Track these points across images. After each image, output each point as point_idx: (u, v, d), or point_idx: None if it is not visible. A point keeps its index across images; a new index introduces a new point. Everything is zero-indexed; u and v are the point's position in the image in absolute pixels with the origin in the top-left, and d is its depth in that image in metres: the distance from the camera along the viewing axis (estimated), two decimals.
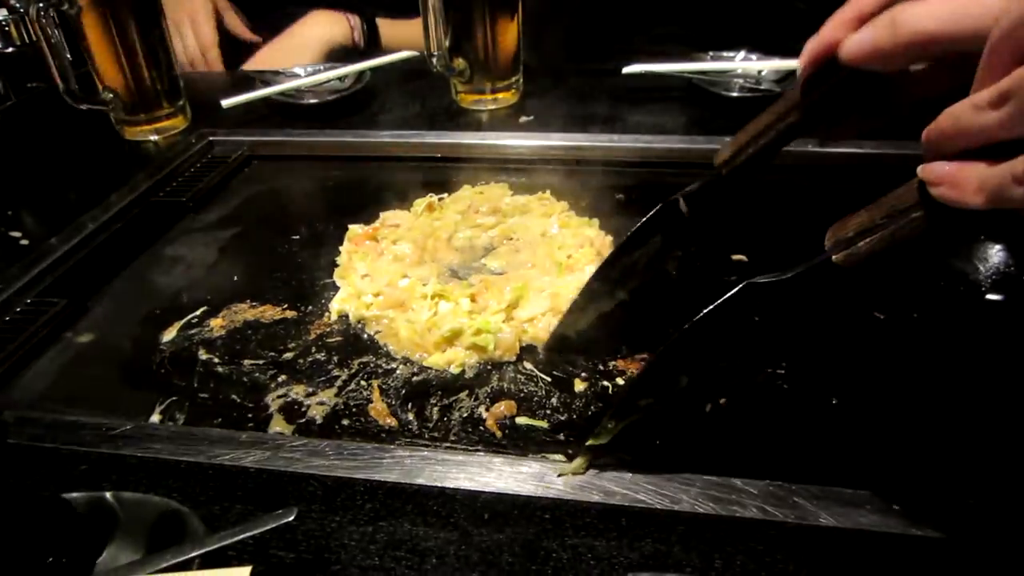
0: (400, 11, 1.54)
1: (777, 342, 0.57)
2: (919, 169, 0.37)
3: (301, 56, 1.43)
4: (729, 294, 0.44)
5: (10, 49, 1.15)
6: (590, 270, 0.71)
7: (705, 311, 0.45)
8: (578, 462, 0.51)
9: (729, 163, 0.56)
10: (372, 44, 1.53)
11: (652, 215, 0.57)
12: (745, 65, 1.18)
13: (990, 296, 0.69)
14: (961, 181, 0.35)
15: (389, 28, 1.56)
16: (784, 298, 0.44)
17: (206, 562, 0.42)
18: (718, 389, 0.56)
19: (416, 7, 1.06)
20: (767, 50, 1.20)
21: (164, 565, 0.42)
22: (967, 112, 0.34)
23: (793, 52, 1.21)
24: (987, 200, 0.34)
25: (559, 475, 0.50)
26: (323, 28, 1.49)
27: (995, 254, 0.73)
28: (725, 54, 1.21)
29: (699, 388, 0.54)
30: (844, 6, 0.42)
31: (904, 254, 0.40)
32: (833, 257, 0.42)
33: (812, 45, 0.44)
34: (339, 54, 1.47)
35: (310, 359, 0.66)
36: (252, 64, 1.51)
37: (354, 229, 0.83)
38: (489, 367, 0.64)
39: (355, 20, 1.51)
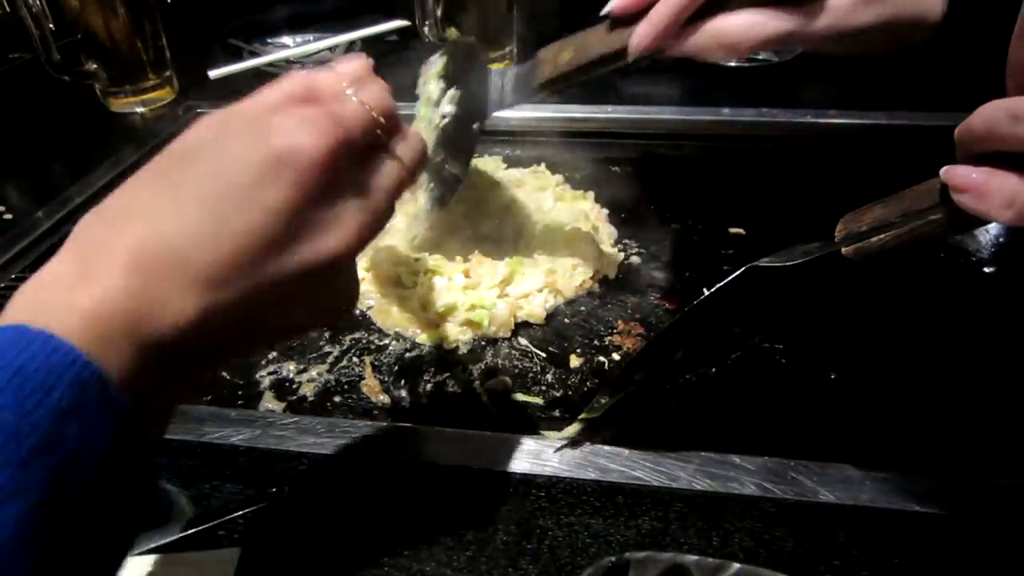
0: None
1: (776, 321, 0.56)
2: (943, 172, 0.35)
3: None
4: (731, 277, 0.44)
5: None
6: (584, 244, 0.70)
7: (707, 293, 0.45)
8: (571, 429, 0.51)
9: (547, 85, 0.57)
10: None
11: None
12: None
13: (988, 269, 0.68)
14: (989, 193, 0.32)
15: None
16: (787, 283, 0.43)
17: (194, 542, 0.42)
18: (712, 361, 0.56)
19: None
20: None
21: (152, 546, 0.41)
22: (1003, 120, 0.32)
23: None
24: (1015, 217, 0.32)
25: (556, 449, 0.50)
26: None
27: (994, 226, 0.72)
28: None
29: (693, 361, 0.53)
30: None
31: (917, 251, 0.38)
32: (843, 250, 0.41)
33: (651, 37, 0.49)
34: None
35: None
36: None
37: None
38: (483, 343, 0.63)
39: None
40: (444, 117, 0.62)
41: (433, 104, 0.63)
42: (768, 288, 0.44)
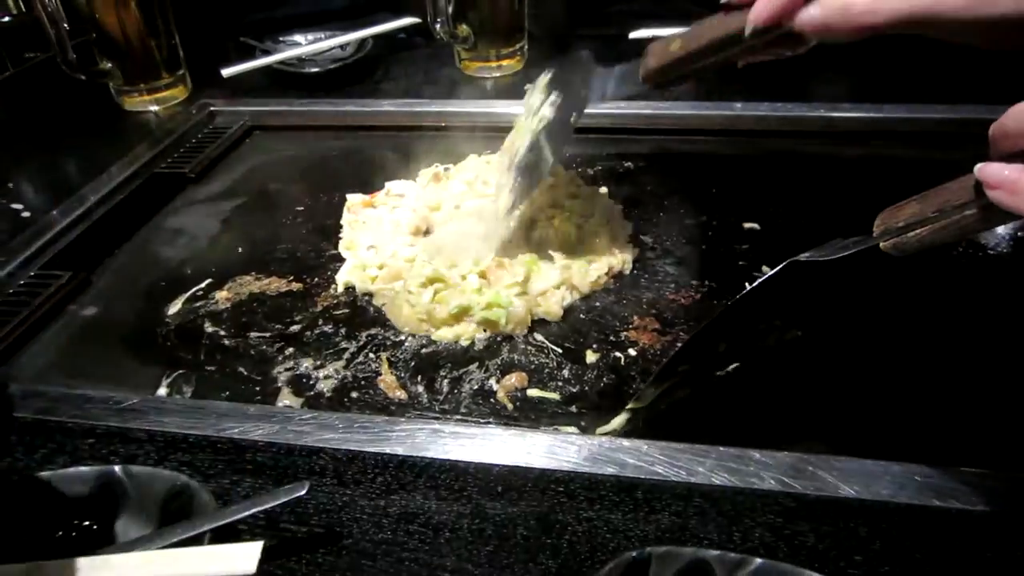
0: None
1: (816, 313, 0.56)
2: (977, 169, 0.36)
3: None
4: (772, 271, 0.45)
5: (7, 18, 1.12)
6: (599, 240, 0.70)
7: (749, 288, 0.46)
8: (619, 420, 0.52)
9: (653, 75, 0.56)
10: None
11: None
12: None
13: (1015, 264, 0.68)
14: (1021, 189, 0.34)
15: None
16: (827, 277, 0.44)
17: (217, 536, 0.42)
18: (754, 352, 0.55)
19: None
20: None
21: (175, 540, 0.41)
22: None
23: None
24: None
25: (600, 432, 0.51)
26: None
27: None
28: None
29: (736, 352, 0.53)
30: None
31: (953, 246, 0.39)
32: (881, 244, 0.42)
33: (769, 9, 0.44)
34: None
35: (317, 331, 0.65)
36: None
37: (352, 198, 0.82)
38: (499, 339, 0.63)
39: None
40: (541, 120, 0.65)
41: (533, 113, 0.67)
42: (808, 282, 0.45)
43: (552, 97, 0.65)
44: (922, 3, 0.40)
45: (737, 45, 0.50)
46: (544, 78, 0.68)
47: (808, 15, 0.43)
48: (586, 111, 0.64)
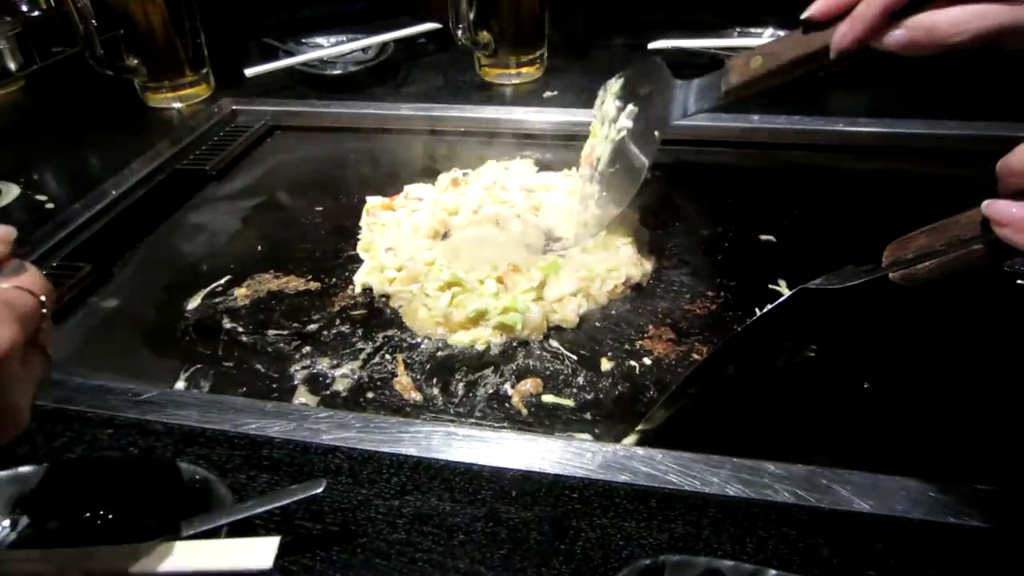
0: None
1: (824, 338, 0.57)
2: (984, 206, 0.36)
3: None
4: (782, 299, 0.46)
5: (36, 13, 1.14)
6: (623, 249, 0.70)
7: (759, 314, 0.47)
8: (629, 441, 0.53)
9: (735, 91, 0.58)
10: None
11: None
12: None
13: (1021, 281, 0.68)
14: None
15: None
16: (835, 304, 0.45)
17: (234, 531, 0.42)
18: (761, 374, 0.56)
19: None
20: (795, 26, 1.17)
21: (193, 532, 0.42)
22: None
23: None
24: None
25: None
26: None
27: None
28: (752, 30, 1.18)
29: (745, 375, 0.54)
30: None
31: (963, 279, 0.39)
32: (890, 275, 0.42)
33: (855, 33, 0.46)
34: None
35: (334, 331, 0.66)
36: None
37: (372, 201, 0.83)
38: (515, 344, 0.63)
39: None
40: (620, 131, 0.66)
41: (611, 121, 0.68)
42: (817, 309, 0.45)
43: (630, 107, 0.65)
44: (1001, 18, 0.41)
45: (818, 63, 0.52)
46: (616, 83, 0.68)
47: (894, 38, 0.44)
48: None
